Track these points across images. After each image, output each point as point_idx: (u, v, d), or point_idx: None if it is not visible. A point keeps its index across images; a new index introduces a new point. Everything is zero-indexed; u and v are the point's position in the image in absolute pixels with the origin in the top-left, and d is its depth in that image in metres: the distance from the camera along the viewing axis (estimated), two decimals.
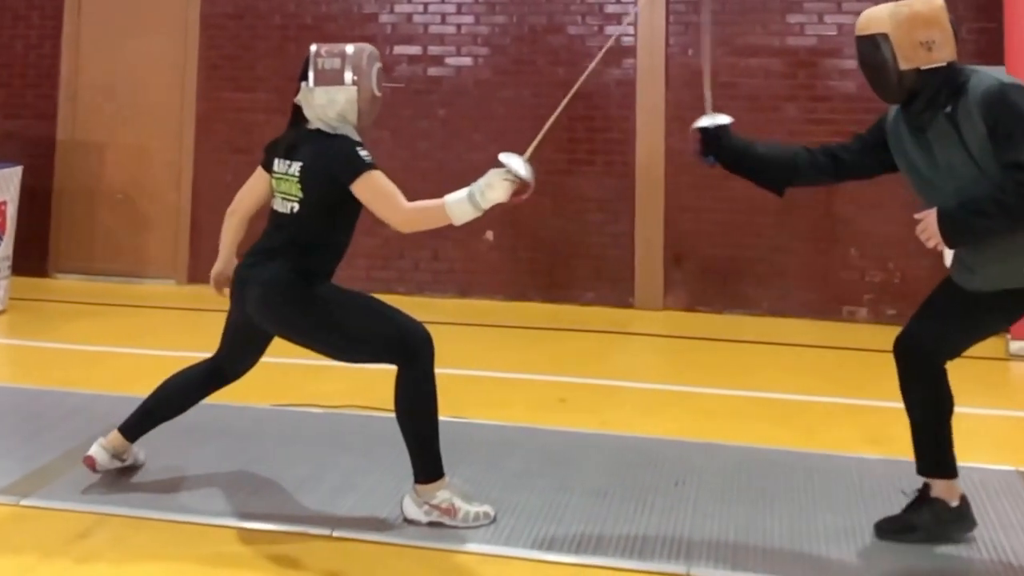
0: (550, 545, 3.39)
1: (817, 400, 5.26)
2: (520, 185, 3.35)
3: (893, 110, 3.42)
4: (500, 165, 3.36)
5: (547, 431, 4.58)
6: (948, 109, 3.21)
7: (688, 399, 5.29)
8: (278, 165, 3.63)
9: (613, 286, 7.84)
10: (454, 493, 3.54)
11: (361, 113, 3.59)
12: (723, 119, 3.56)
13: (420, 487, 3.52)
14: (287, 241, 3.55)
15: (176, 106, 8.61)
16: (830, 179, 3.61)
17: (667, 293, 7.77)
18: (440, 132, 8.18)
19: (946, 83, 3.21)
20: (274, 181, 3.65)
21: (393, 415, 3.56)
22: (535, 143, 3.49)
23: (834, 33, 7.71)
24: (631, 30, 7.90)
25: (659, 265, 7.78)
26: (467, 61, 8.27)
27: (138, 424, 3.83)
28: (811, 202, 7.55)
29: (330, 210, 3.52)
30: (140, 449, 3.94)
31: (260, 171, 3.78)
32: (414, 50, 8.33)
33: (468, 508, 3.53)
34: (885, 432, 4.62)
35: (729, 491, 3.88)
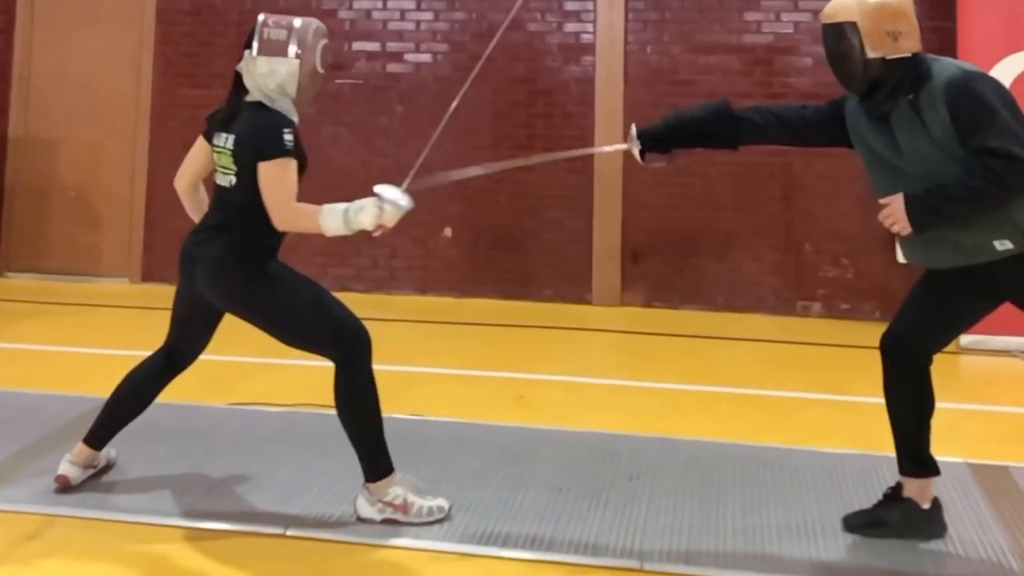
0: (504, 542, 3.39)
1: (772, 394, 5.29)
2: (385, 218, 3.36)
3: (853, 99, 3.44)
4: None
5: (503, 427, 4.58)
6: (910, 96, 3.24)
7: (644, 394, 5.32)
8: (217, 138, 3.58)
9: (571, 282, 7.87)
10: (407, 488, 3.52)
11: (301, 88, 3.54)
12: (632, 131, 3.55)
13: (371, 485, 3.50)
14: (230, 216, 3.51)
15: (131, 103, 8.53)
16: (773, 142, 3.61)
17: (625, 289, 7.82)
18: (399, 129, 8.15)
19: (909, 74, 3.25)
20: (215, 155, 3.59)
21: None
22: (414, 170, 3.48)
23: (791, 31, 7.78)
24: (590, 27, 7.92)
25: (617, 261, 7.82)
26: (426, 58, 8.25)
27: (102, 431, 3.76)
28: (766, 199, 7.63)
29: None
30: (110, 447, 3.88)
31: (200, 141, 3.73)
32: (373, 46, 8.30)
33: (422, 503, 3.51)
34: (840, 426, 4.65)
35: (683, 486, 3.90)
